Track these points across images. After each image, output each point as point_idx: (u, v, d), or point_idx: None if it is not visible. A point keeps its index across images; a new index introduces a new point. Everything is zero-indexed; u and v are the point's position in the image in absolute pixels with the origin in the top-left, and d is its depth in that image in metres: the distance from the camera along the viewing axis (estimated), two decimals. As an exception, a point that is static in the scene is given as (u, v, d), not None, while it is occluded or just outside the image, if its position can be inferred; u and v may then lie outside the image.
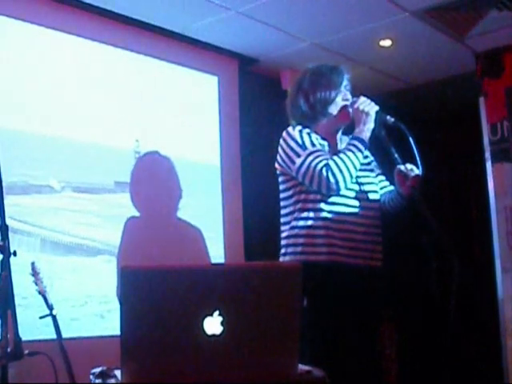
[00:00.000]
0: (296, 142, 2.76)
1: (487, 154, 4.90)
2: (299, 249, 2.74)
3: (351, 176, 2.70)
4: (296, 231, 2.76)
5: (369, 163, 2.94)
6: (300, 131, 2.79)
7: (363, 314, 2.72)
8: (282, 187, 2.87)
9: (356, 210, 2.77)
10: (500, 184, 4.82)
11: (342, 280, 2.68)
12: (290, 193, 2.82)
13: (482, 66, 4.97)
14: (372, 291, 2.77)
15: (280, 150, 2.82)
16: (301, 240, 2.74)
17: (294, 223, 2.78)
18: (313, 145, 2.75)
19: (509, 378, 4.57)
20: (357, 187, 2.80)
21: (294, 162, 2.74)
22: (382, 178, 2.97)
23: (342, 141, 2.91)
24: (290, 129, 2.82)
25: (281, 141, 2.83)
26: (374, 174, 2.94)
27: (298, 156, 2.72)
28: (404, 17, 4.35)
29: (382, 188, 2.93)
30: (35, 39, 3.92)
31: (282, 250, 2.83)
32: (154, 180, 4.36)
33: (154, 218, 4.30)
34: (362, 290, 2.71)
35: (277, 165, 2.86)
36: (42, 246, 3.80)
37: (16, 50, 3.82)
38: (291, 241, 2.78)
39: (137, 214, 4.18)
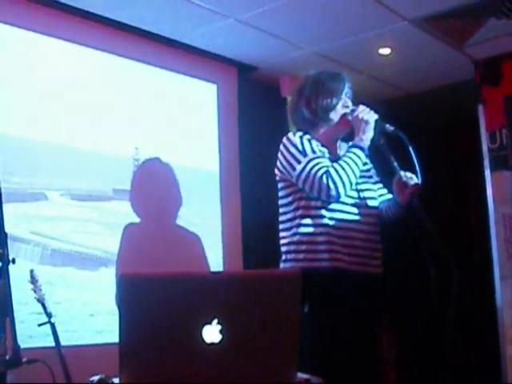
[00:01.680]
0: (296, 149, 2.76)
1: (486, 162, 4.91)
2: (301, 256, 2.74)
3: (351, 183, 2.71)
4: (298, 238, 2.76)
5: (368, 170, 2.94)
6: (301, 137, 2.79)
7: (363, 320, 2.72)
8: (281, 193, 2.87)
9: (356, 217, 2.78)
10: (499, 192, 4.83)
11: (343, 286, 2.68)
12: (289, 199, 2.82)
13: (480, 74, 4.98)
14: (372, 297, 2.77)
15: (280, 156, 2.82)
16: (303, 247, 2.74)
17: (295, 230, 2.77)
18: (313, 151, 2.75)
19: (507, 384, 4.58)
20: (356, 194, 2.81)
21: (294, 169, 2.74)
22: (381, 185, 2.98)
23: (342, 148, 2.92)
24: (290, 135, 2.82)
25: (281, 147, 2.83)
26: (372, 181, 2.94)
27: (299, 162, 2.73)
28: (403, 25, 4.36)
29: (380, 196, 2.94)
30: (36, 46, 3.92)
31: (283, 257, 2.82)
32: (153, 187, 4.36)
33: (154, 225, 4.30)
34: (362, 296, 2.72)
35: (276, 171, 2.86)
36: (40, 254, 3.80)
37: (16, 56, 3.82)
38: (292, 247, 2.77)
39: (135, 220, 4.18)
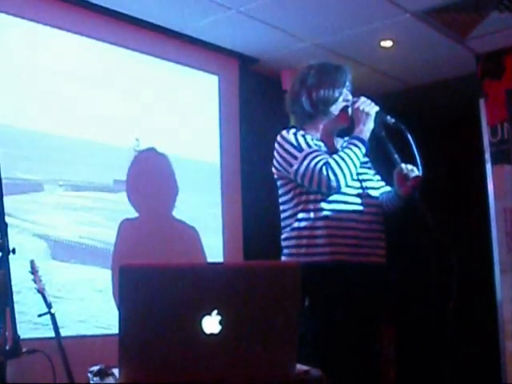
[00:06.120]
0: (291, 145, 2.74)
1: (487, 156, 4.90)
2: (303, 250, 2.72)
3: (351, 174, 2.70)
4: (298, 232, 2.75)
5: (367, 162, 2.94)
6: (294, 133, 2.77)
7: (365, 313, 2.72)
8: (281, 191, 2.85)
9: (357, 207, 2.76)
10: (499, 186, 4.82)
11: (344, 279, 2.66)
12: (289, 196, 2.80)
13: (482, 68, 4.97)
14: (374, 288, 2.76)
15: (276, 154, 2.80)
16: (304, 241, 2.72)
17: (295, 224, 2.76)
18: (308, 146, 2.74)
19: (507, 379, 4.58)
20: (358, 184, 2.80)
21: (291, 165, 2.73)
22: (378, 177, 2.97)
23: (338, 142, 2.91)
24: (284, 132, 2.80)
25: (276, 145, 2.81)
26: (372, 172, 2.94)
27: (295, 158, 2.71)
28: (405, 18, 4.35)
29: (378, 188, 2.93)
30: (35, 37, 3.91)
31: (284, 251, 2.81)
32: (149, 178, 4.35)
33: (150, 217, 4.29)
34: (364, 288, 2.70)
35: (274, 169, 2.84)
36: (40, 245, 3.80)
37: (14, 47, 3.81)
38: (293, 242, 2.76)
39: (132, 214, 4.17)
